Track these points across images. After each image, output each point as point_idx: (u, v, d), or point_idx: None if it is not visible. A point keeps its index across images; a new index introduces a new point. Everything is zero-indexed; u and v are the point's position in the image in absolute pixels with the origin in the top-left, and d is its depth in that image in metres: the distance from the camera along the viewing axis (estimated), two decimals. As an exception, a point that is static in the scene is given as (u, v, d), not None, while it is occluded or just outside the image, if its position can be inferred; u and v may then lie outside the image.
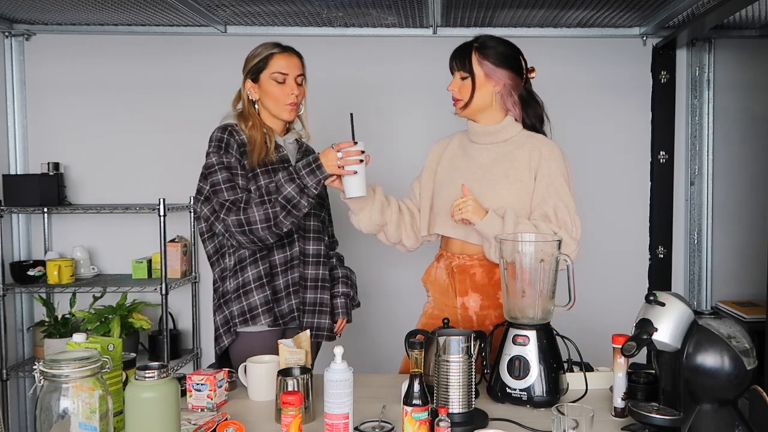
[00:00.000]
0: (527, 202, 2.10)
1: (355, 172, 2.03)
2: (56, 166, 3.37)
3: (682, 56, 3.47)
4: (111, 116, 3.49)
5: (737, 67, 3.47)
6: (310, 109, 2.32)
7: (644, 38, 3.42)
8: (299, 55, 2.25)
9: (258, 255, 2.16)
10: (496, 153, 2.16)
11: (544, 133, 2.19)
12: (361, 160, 2.02)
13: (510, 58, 2.15)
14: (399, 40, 3.45)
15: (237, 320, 2.16)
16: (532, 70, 2.20)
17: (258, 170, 2.14)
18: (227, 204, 2.07)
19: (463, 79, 2.15)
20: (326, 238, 2.36)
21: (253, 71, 2.21)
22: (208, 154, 2.15)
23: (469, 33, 3.33)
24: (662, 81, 3.44)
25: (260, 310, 2.14)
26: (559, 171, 2.09)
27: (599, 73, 3.47)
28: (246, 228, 2.05)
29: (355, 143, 2.03)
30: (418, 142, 3.44)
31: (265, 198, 2.06)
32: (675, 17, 3.07)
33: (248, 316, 2.15)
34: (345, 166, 2.02)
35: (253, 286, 2.15)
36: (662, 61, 3.44)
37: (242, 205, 2.06)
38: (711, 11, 2.83)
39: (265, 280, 2.15)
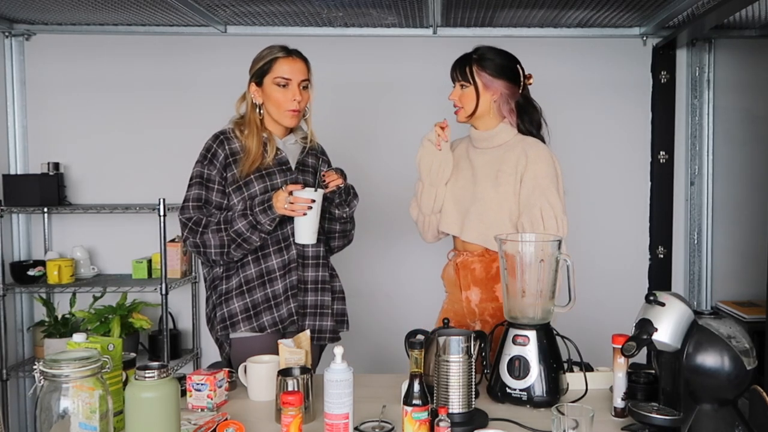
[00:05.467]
0: (513, 203, 2.17)
1: (305, 214, 2.05)
2: (56, 166, 3.37)
3: (682, 56, 3.47)
4: (111, 116, 3.48)
5: (737, 67, 3.47)
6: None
7: (644, 38, 3.42)
8: (305, 60, 2.20)
9: (239, 264, 2.16)
10: (490, 156, 2.24)
11: (542, 138, 2.24)
12: (310, 207, 2.04)
13: (506, 69, 2.22)
14: (399, 40, 3.45)
15: (218, 326, 2.17)
16: (530, 77, 2.26)
17: (252, 176, 2.15)
18: (189, 224, 2.13)
19: (462, 87, 2.22)
20: (325, 238, 2.33)
21: (258, 74, 2.18)
22: (195, 162, 2.18)
23: (469, 33, 3.36)
24: (662, 81, 3.44)
25: (240, 317, 2.15)
26: (545, 173, 2.15)
27: (599, 73, 3.47)
28: (201, 250, 2.12)
29: (314, 188, 2.07)
30: (419, 142, 3.45)
31: (222, 227, 2.09)
32: (675, 17, 3.07)
33: (228, 323, 2.16)
34: (293, 210, 2.04)
35: (233, 293, 2.16)
36: (662, 61, 3.44)
37: (200, 228, 2.11)
38: (711, 11, 2.83)
39: (245, 288, 2.16)
